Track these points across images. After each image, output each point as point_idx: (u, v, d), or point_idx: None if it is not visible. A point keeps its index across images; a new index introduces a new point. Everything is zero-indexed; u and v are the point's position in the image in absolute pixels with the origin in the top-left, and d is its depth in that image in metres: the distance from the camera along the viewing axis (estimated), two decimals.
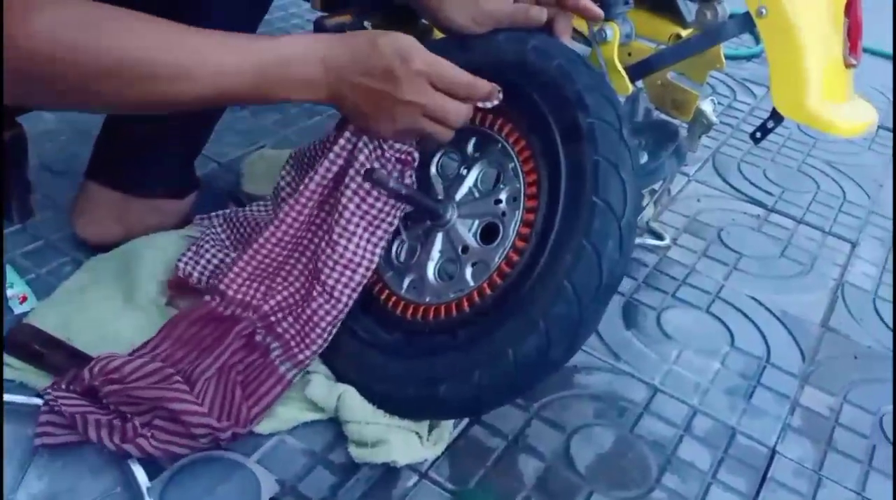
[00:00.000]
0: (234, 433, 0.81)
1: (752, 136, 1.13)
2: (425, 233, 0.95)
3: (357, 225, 0.89)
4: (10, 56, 0.66)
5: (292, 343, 0.89)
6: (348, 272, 0.89)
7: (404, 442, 0.85)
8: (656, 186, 1.21)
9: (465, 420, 0.93)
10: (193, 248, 1.01)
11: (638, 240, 1.26)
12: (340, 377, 0.91)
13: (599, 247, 0.79)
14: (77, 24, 0.69)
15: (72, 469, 0.80)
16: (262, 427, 0.86)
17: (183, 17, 0.75)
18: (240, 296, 0.92)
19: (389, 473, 0.85)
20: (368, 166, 0.87)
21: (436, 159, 0.98)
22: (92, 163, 1.06)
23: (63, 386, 0.84)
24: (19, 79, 0.68)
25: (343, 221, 0.88)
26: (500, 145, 0.92)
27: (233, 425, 0.81)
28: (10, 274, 1.00)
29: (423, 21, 1.28)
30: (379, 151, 0.87)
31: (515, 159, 0.90)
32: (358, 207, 0.88)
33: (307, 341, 0.89)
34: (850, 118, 0.98)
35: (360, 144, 0.87)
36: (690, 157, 1.35)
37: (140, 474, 0.79)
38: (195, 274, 0.98)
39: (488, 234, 0.91)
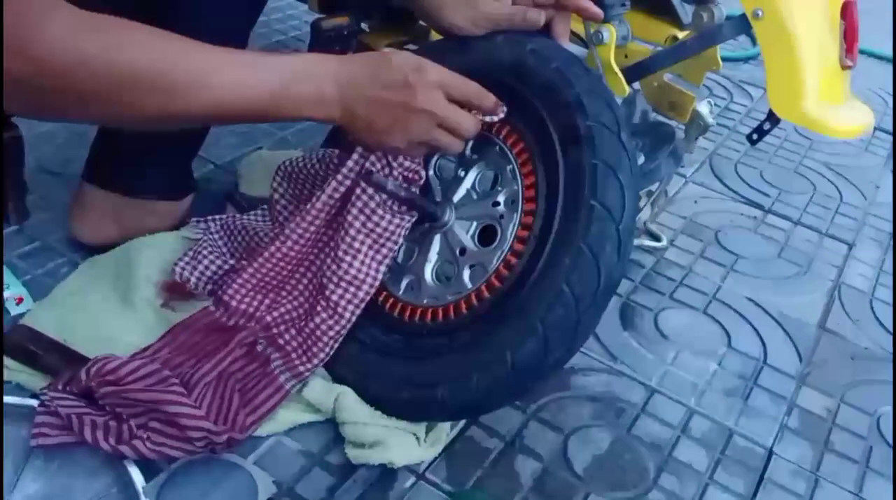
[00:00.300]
0: (229, 439, 0.81)
1: (749, 137, 1.13)
2: (423, 235, 0.95)
3: (363, 242, 0.89)
4: (20, 66, 0.64)
5: (293, 355, 0.89)
6: (353, 288, 0.89)
7: (401, 443, 0.85)
8: (653, 188, 1.21)
9: (463, 421, 0.92)
10: (190, 253, 1.00)
11: (635, 241, 1.26)
12: (338, 379, 0.91)
13: (597, 250, 0.79)
14: (89, 32, 0.68)
15: (67, 470, 0.80)
16: (259, 429, 0.86)
17: (174, 16, 0.75)
18: (243, 307, 0.93)
19: (386, 474, 0.85)
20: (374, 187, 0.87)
21: (433, 161, 0.98)
22: (88, 165, 1.06)
23: (60, 387, 0.83)
24: (29, 89, 0.67)
25: (349, 239, 0.88)
26: (497, 148, 0.92)
27: (229, 430, 0.81)
28: (7, 275, 1.00)
29: (421, 23, 1.28)
30: (387, 169, 0.87)
31: (513, 162, 0.90)
32: (364, 224, 0.88)
33: (309, 354, 0.89)
34: (847, 120, 0.98)
35: (368, 164, 0.87)
36: (687, 158, 1.35)
37: (136, 475, 0.79)
38: (192, 279, 0.98)
39: (486, 236, 0.91)
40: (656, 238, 1.32)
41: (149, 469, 0.80)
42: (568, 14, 0.94)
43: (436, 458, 0.88)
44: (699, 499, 0.89)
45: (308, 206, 0.91)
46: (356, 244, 0.89)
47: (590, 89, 0.86)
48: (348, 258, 0.89)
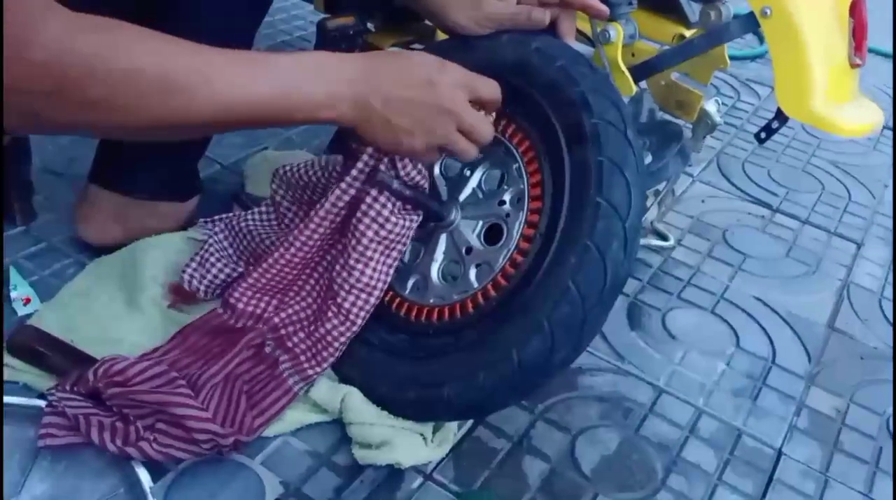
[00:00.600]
0: (236, 441, 0.80)
1: (757, 136, 1.12)
2: (429, 234, 0.95)
3: (374, 250, 0.89)
4: (15, 71, 0.61)
5: (302, 358, 0.89)
6: (364, 295, 0.89)
7: (408, 444, 0.85)
8: (660, 187, 1.21)
9: (470, 422, 0.92)
10: (198, 258, 1.00)
11: (642, 241, 1.26)
12: (344, 379, 0.91)
13: (604, 249, 0.79)
14: (86, 34, 0.65)
15: (74, 471, 0.80)
16: (267, 429, 0.86)
17: (174, 17, 0.74)
18: (250, 309, 0.93)
19: (394, 475, 0.85)
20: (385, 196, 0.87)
21: (440, 161, 0.98)
22: (94, 166, 1.06)
23: (67, 388, 0.84)
24: (26, 97, 0.63)
25: (361, 247, 0.88)
26: (503, 146, 0.92)
27: (236, 432, 0.81)
28: (14, 276, 1.00)
29: (427, 23, 1.28)
30: (393, 173, 0.86)
31: (519, 160, 0.90)
32: (377, 233, 0.88)
33: (318, 358, 0.89)
34: (856, 118, 0.98)
35: (382, 167, 0.86)
36: (694, 157, 1.35)
37: (144, 475, 0.79)
38: (202, 288, 0.98)
39: (492, 235, 0.91)
40: (664, 237, 1.32)
41: (156, 470, 0.80)
42: (573, 13, 0.94)
43: (443, 458, 0.87)
44: None
45: (312, 212, 0.91)
46: (369, 253, 0.88)
47: (595, 87, 0.85)
48: (360, 266, 0.88)
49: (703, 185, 1.54)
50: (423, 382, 0.85)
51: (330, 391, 0.89)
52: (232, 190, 1.22)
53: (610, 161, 0.81)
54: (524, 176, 0.89)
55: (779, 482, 0.93)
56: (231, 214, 1.09)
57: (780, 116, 1.03)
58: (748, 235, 1.39)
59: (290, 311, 0.93)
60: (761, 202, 1.50)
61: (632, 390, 1.02)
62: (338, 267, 0.90)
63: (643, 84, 1.14)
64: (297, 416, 0.88)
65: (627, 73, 1.03)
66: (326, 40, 1.18)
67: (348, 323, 0.89)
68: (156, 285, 0.98)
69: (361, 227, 0.88)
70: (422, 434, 0.87)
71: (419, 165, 0.87)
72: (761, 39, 2.19)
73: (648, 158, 1.10)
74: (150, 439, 0.79)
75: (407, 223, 0.89)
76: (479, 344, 0.83)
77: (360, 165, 0.87)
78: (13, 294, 0.97)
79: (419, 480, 0.85)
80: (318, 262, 0.94)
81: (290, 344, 0.90)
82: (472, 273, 0.90)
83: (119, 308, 0.97)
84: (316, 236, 0.91)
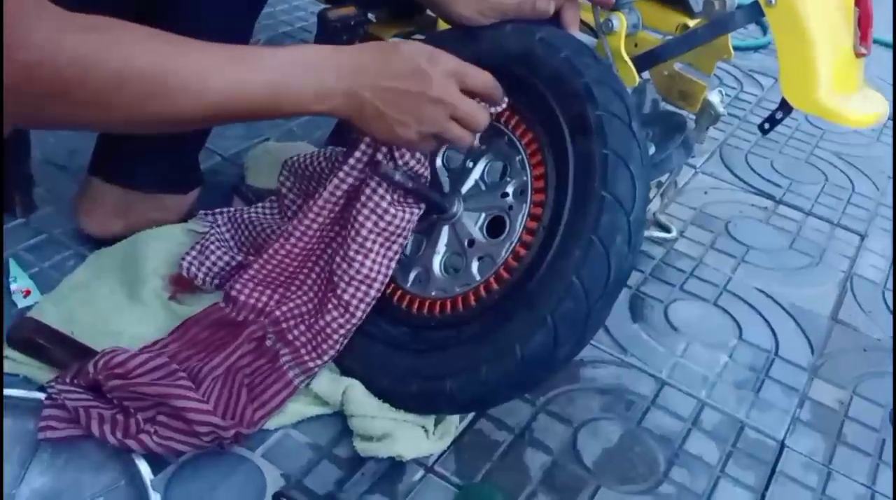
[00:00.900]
0: (237, 434, 0.80)
1: (761, 127, 1.11)
2: (431, 226, 0.94)
3: (374, 242, 0.88)
4: (10, 72, 0.61)
5: (303, 351, 0.89)
6: (364, 287, 0.89)
7: (410, 436, 0.85)
8: (663, 178, 1.20)
9: (471, 414, 0.92)
10: (198, 247, 1.00)
11: (645, 232, 1.25)
12: (346, 371, 0.91)
13: (608, 242, 0.78)
14: (79, 33, 0.65)
15: (75, 464, 0.80)
16: (268, 422, 0.86)
17: (174, 15, 0.73)
18: (251, 301, 0.93)
19: (395, 467, 0.85)
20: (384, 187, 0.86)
21: (441, 152, 0.97)
22: (94, 158, 1.06)
23: (67, 380, 0.83)
24: (24, 96, 0.63)
25: (360, 239, 0.88)
26: (506, 138, 0.91)
27: (237, 424, 0.81)
28: (14, 268, 1.00)
29: (428, 13, 1.27)
30: (392, 164, 0.86)
31: (522, 152, 0.89)
32: (376, 224, 0.87)
33: (318, 351, 0.89)
34: (861, 108, 0.97)
35: (381, 157, 0.85)
36: (697, 148, 1.34)
37: (144, 468, 0.79)
38: (200, 275, 0.98)
39: (495, 227, 0.91)
40: (666, 229, 1.31)
41: (157, 462, 0.80)
42: (577, 2, 0.93)
43: (444, 451, 0.87)
44: (710, 492, 0.89)
45: (311, 202, 0.90)
46: (368, 244, 0.88)
47: (599, 79, 0.85)
48: (360, 257, 0.88)
49: (705, 176, 1.53)
50: (426, 375, 0.85)
51: (331, 384, 0.88)
52: (233, 182, 1.22)
53: (615, 154, 0.80)
54: (527, 168, 0.89)
55: (781, 474, 0.92)
56: (233, 208, 1.08)
57: (785, 107, 1.01)
58: (751, 227, 1.39)
59: (291, 304, 0.92)
60: (764, 194, 1.50)
61: (634, 383, 1.01)
62: (338, 259, 0.90)
63: (646, 74, 1.13)
64: (298, 408, 0.88)
65: (630, 64, 1.02)
66: (328, 31, 1.17)
67: (348, 315, 0.89)
68: (156, 278, 0.98)
69: (360, 218, 0.87)
70: (423, 427, 0.86)
71: (418, 155, 0.86)
72: (764, 30, 2.17)
73: (652, 149, 1.09)
74: (150, 431, 0.79)
75: (407, 215, 0.89)
76: (481, 338, 0.83)
77: (357, 153, 0.87)
78: (13, 286, 0.97)
79: (420, 472, 0.85)
80: (320, 255, 0.94)
81: (290, 337, 0.90)
82: (475, 266, 0.90)
83: (119, 300, 0.96)
84: (315, 226, 0.91)
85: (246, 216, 1.04)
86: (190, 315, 0.94)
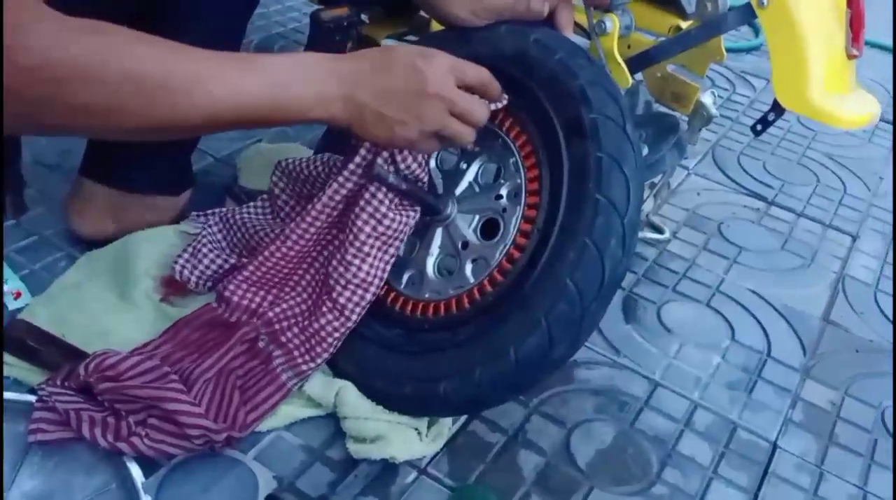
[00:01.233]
0: (229, 437, 0.80)
1: (753, 128, 1.12)
2: (425, 228, 0.94)
3: (372, 246, 0.88)
4: (6, 76, 0.61)
5: (296, 353, 0.89)
6: (360, 291, 0.88)
7: (403, 438, 0.85)
8: (656, 180, 1.20)
9: (465, 416, 0.92)
10: (190, 249, 0.99)
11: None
12: (339, 373, 0.90)
13: (602, 246, 0.78)
14: (78, 38, 0.64)
15: (66, 467, 0.79)
16: (260, 424, 0.85)
17: (174, 15, 0.73)
18: (245, 302, 0.93)
19: (388, 469, 0.84)
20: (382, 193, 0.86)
21: (435, 153, 0.97)
22: (86, 160, 1.05)
23: (58, 382, 0.83)
24: (23, 102, 0.63)
25: (358, 243, 0.87)
26: (500, 140, 0.91)
27: (228, 427, 0.81)
28: (5, 270, 0.99)
29: (422, 14, 1.27)
30: (391, 168, 0.86)
31: (516, 154, 0.89)
32: (374, 228, 0.87)
33: (312, 354, 0.89)
34: (853, 109, 0.97)
35: (380, 160, 0.85)
36: (690, 150, 1.34)
37: (135, 470, 0.78)
38: (193, 278, 0.97)
39: (489, 230, 0.91)
40: (659, 230, 1.32)
41: (148, 465, 0.80)
42: (571, 4, 0.93)
43: (438, 453, 0.87)
44: (703, 493, 0.89)
45: (309, 206, 0.90)
46: (366, 248, 0.88)
47: (594, 80, 0.84)
48: (357, 262, 0.88)
49: (698, 177, 1.53)
50: (419, 377, 0.84)
51: (324, 386, 0.88)
52: (225, 183, 1.21)
53: (609, 157, 0.80)
54: (521, 170, 0.89)
55: (774, 476, 0.93)
56: (225, 209, 1.08)
57: (777, 108, 1.02)
58: (743, 228, 1.39)
59: (284, 306, 0.92)
60: (756, 195, 1.50)
61: (627, 384, 1.02)
62: (334, 262, 0.89)
63: (639, 76, 1.13)
64: (290, 410, 0.88)
65: (623, 65, 1.02)
66: (321, 32, 1.17)
67: (343, 319, 0.88)
68: (148, 279, 0.98)
69: (359, 222, 0.87)
70: (416, 429, 0.86)
71: (419, 157, 0.86)
72: (757, 31, 2.18)
73: (645, 151, 1.09)
74: (141, 434, 0.78)
75: (405, 219, 0.89)
76: (475, 340, 0.83)
77: (357, 159, 0.87)
78: (4, 288, 0.96)
79: (413, 474, 0.85)
80: (315, 257, 0.93)
81: (284, 339, 0.90)
82: (468, 268, 0.90)
83: (111, 302, 0.96)
84: (312, 230, 0.91)
85: (238, 217, 1.04)
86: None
